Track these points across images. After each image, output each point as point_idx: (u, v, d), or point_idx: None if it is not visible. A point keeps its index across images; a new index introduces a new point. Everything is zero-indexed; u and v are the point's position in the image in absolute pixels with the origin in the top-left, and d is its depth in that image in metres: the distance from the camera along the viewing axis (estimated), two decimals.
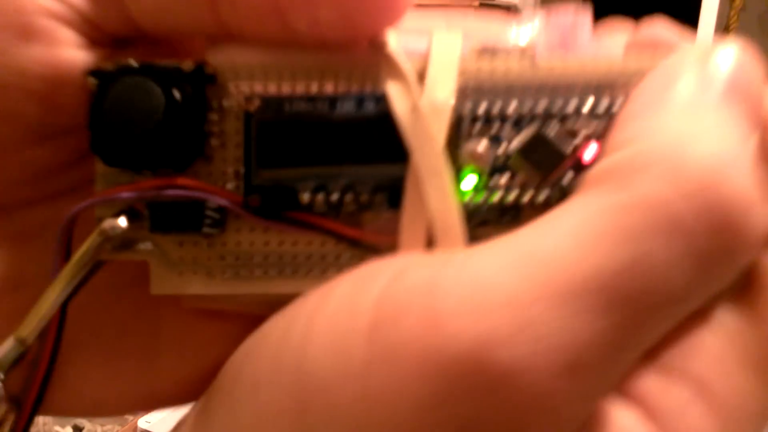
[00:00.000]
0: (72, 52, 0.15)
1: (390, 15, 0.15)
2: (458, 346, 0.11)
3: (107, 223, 0.15)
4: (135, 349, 0.17)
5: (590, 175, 0.13)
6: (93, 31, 0.15)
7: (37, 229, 0.16)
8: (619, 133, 0.13)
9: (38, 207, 0.16)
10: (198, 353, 0.17)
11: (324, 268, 0.16)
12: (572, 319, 0.11)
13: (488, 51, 0.17)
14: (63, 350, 0.16)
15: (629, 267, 0.11)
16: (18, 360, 0.15)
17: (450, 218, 0.15)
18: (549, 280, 0.11)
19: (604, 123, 0.15)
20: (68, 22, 0.15)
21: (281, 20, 0.14)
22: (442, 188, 0.15)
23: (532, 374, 0.11)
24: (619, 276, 0.11)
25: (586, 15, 0.18)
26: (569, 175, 0.15)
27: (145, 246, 0.16)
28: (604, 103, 0.15)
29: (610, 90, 0.16)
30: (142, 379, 0.17)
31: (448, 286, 0.12)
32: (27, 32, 0.14)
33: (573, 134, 0.15)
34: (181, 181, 0.15)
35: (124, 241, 0.16)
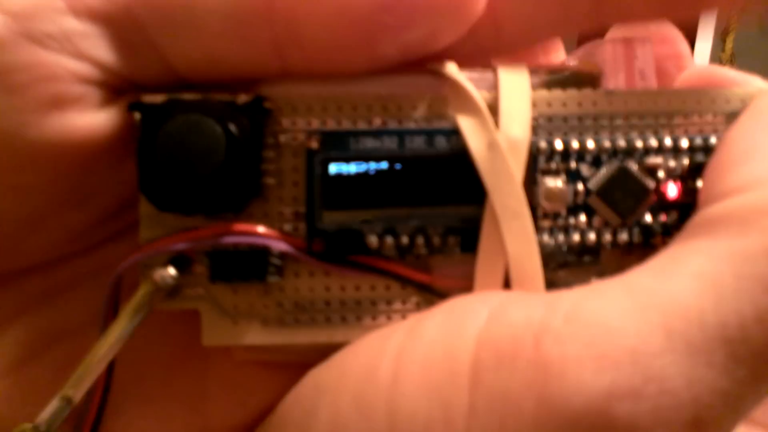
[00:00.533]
0: (102, 113, 0.14)
1: (466, 22, 0.14)
2: (580, 398, 0.10)
3: (157, 274, 0.14)
4: (182, 396, 0.16)
5: (708, 217, 0.12)
6: (122, 85, 0.14)
7: (75, 280, 0.15)
8: (729, 176, 0.12)
9: (76, 260, 0.15)
10: (248, 399, 0.16)
11: (389, 314, 0.15)
12: (700, 372, 0.10)
13: (556, 81, 0.16)
14: (108, 400, 0.15)
15: (762, 317, 0.11)
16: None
17: (530, 262, 0.14)
18: (677, 330, 0.11)
19: (687, 158, 0.15)
20: (99, 84, 0.13)
21: (369, 51, 0.13)
22: (522, 230, 0.14)
23: (659, 430, 0.10)
24: (750, 328, 0.11)
25: (647, 39, 0.17)
26: (652, 213, 0.15)
27: (196, 293, 0.15)
28: (686, 136, 0.15)
29: (690, 121, 0.15)
30: (190, 428, 0.16)
31: (560, 328, 0.11)
32: (59, 102, 0.13)
33: (654, 169, 0.15)
34: (240, 227, 0.14)
35: (173, 289, 0.15)
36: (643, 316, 0.11)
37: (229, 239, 0.14)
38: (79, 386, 0.13)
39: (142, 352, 0.16)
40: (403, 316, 0.15)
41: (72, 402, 0.13)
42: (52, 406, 0.13)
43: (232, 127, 0.14)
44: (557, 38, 0.17)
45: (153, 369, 0.16)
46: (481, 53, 0.16)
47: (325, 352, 0.15)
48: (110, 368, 0.14)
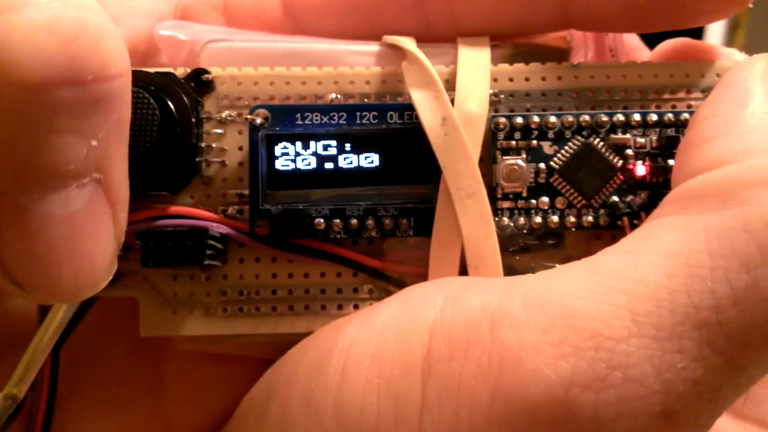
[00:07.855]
0: None
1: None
2: (538, 388, 0.10)
3: None
4: (139, 397, 0.16)
5: (683, 193, 0.12)
6: None
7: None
8: (703, 152, 0.12)
9: None
10: (206, 397, 0.16)
11: (340, 303, 0.15)
12: (670, 359, 0.10)
13: (520, 55, 0.16)
14: (63, 403, 0.15)
15: (739, 298, 0.10)
16: (13, 415, 0.14)
17: (487, 245, 0.14)
18: (645, 313, 0.10)
19: (655, 134, 0.15)
20: None
21: None
22: (478, 211, 0.14)
23: (624, 422, 0.10)
24: (726, 310, 0.10)
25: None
26: (619, 192, 0.14)
27: (135, 281, 0.15)
28: (655, 111, 0.15)
29: (662, 97, 0.15)
30: (151, 428, 0.16)
31: (518, 312, 0.11)
32: None
33: (621, 146, 0.15)
34: (176, 209, 0.14)
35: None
36: (607, 297, 0.11)
37: (164, 222, 0.14)
38: (22, 382, 0.13)
39: (95, 355, 0.16)
40: (356, 305, 0.15)
41: (16, 399, 0.13)
42: None
43: (168, 101, 0.14)
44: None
45: (108, 371, 0.16)
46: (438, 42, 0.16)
47: (275, 345, 0.15)
48: (55, 360, 0.14)
